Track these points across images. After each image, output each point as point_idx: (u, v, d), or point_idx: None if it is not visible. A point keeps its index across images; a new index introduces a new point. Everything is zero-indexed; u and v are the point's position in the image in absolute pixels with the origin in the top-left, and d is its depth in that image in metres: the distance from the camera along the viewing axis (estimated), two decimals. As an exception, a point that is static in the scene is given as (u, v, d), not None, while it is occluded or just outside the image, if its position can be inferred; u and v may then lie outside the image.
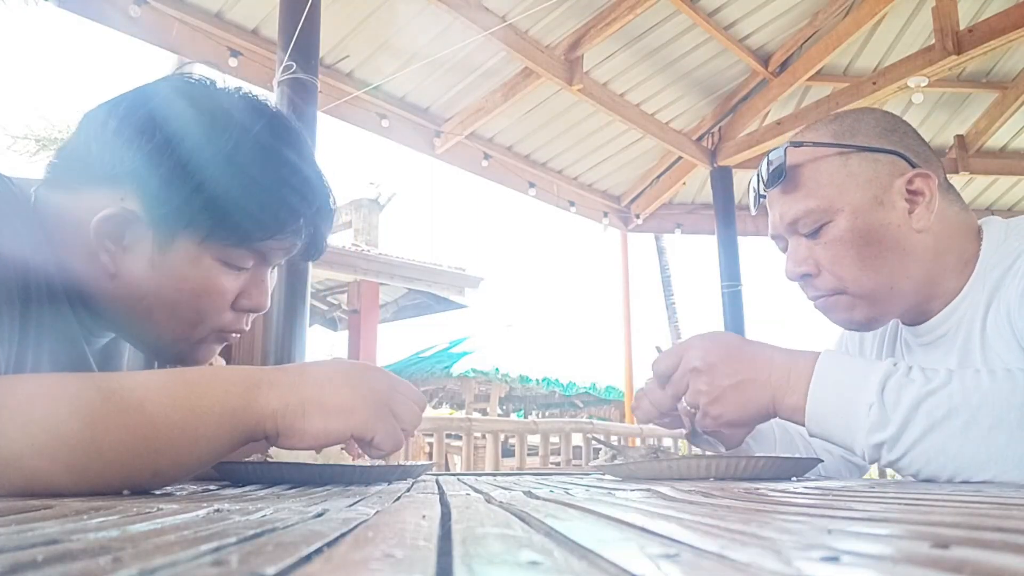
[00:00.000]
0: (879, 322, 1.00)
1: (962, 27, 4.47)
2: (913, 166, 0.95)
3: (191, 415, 0.63)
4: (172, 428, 0.62)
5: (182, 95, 0.77)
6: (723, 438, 1.06)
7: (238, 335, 0.84)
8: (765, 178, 0.99)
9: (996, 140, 6.24)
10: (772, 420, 1.18)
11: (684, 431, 0.99)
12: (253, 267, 0.81)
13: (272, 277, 0.88)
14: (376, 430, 0.71)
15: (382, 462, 0.99)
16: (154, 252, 0.74)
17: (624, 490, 0.61)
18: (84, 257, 0.75)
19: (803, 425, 0.83)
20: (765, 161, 1.00)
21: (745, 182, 6.66)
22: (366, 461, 0.92)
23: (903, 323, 1.05)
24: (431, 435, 5.87)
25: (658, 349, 0.96)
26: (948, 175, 1.01)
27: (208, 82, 0.80)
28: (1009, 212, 7.11)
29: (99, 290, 0.76)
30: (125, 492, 0.60)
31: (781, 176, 0.97)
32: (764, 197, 1.03)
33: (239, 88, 0.81)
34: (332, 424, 0.68)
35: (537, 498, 0.51)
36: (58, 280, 0.75)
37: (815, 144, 0.97)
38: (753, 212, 1.07)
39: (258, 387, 0.67)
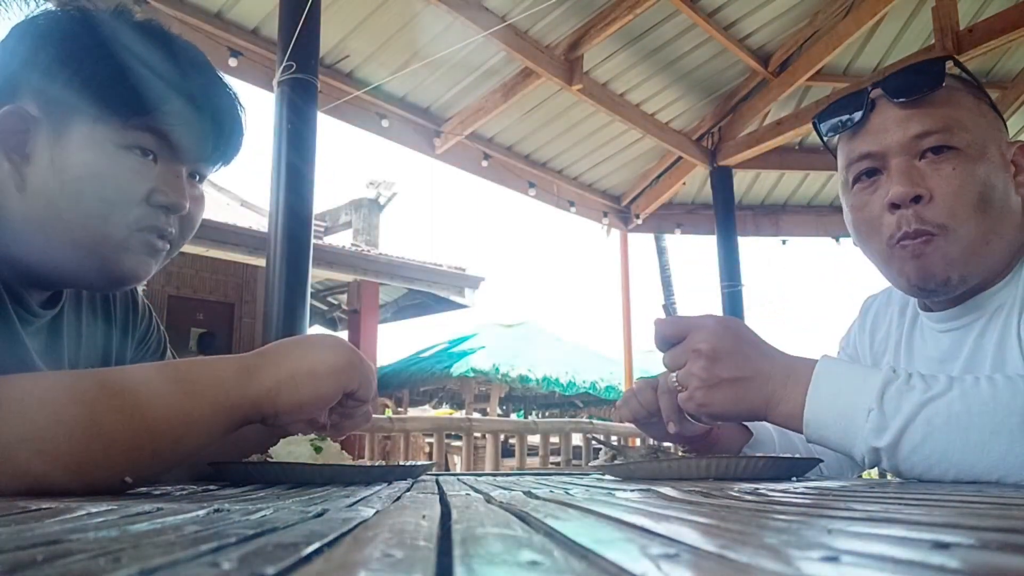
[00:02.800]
0: (965, 283, 0.92)
1: (962, 27, 4.47)
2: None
3: (186, 397, 0.66)
4: (168, 408, 0.64)
5: (62, 10, 0.82)
6: (716, 446, 1.05)
7: (166, 244, 0.83)
8: (918, 81, 0.92)
9: (996, 140, 6.23)
10: (771, 425, 1.17)
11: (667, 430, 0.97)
12: (164, 160, 0.81)
13: (200, 195, 0.88)
14: (358, 380, 0.79)
15: (382, 461, 1.00)
16: (53, 149, 0.76)
17: (624, 490, 0.61)
18: None
19: (799, 432, 0.82)
20: (916, 65, 0.94)
21: (746, 182, 6.67)
22: (365, 461, 0.93)
23: (935, 309, 1.01)
24: (431, 435, 5.87)
25: (666, 309, 0.93)
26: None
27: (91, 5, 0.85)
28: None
29: (14, 218, 0.76)
30: (127, 479, 0.61)
31: (940, 83, 0.91)
32: (902, 101, 0.93)
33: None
34: (324, 387, 0.75)
35: (537, 498, 0.51)
36: None
37: (970, 76, 0.95)
38: (855, 119, 0.96)
39: (247, 371, 0.71)
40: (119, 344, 0.98)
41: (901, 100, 0.93)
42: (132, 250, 0.80)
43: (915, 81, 0.92)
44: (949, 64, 0.94)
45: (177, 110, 0.80)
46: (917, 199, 0.89)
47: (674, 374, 0.88)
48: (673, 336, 0.88)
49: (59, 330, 0.87)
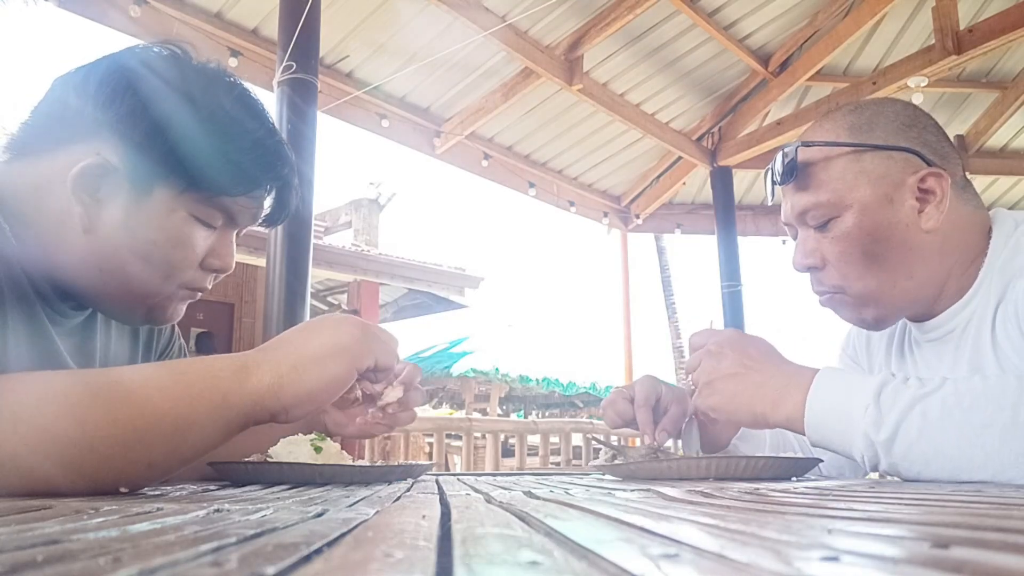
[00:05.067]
0: (887, 321, 1.00)
1: (962, 27, 4.47)
2: (929, 164, 0.93)
3: (182, 403, 0.62)
4: (163, 419, 0.61)
5: (162, 59, 0.80)
6: (705, 436, 1.07)
7: (202, 293, 0.87)
8: (778, 173, 0.99)
9: (996, 140, 6.23)
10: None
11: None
12: (221, 228, 0.84)
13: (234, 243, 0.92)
14: (373, 353, 0.75)
15: (382, 461, 1.00)
16: (130, 203, 0.76)
17: (624, 490, 0.61)
18: (55, 218, 0.75)
19: (800, 433, 0.84)
20: (779, 155, 0.99)
21: (746, 182, 6.67)
22: (365, 461, 0.92)
23: (910, 321, 1.04)
24: (431, 435, 5.87)
25: (712, 323, 1.01)
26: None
27: (180, 51, 0.83)
28: (1009, 212, 7.09)
29: (71, 251, 0.76)
30: (123, 490, 0.60)
31: (793, 173, 0.96)
32: (776, 185, 1.03)
33: (208, 60, 0.85)
34: (332, 371, 0.71)
35: (537, 498, 0.51)
36: (19, 264, 0.74)
37: (827, 144, 0.96)
38: (769, 202, 1.07)
39: (246, 368, 0.66)
40: (144, 350, 1.00)
41: (779, 184, 1.01)
42: (174, 302, 0.84)
43: (781, 170, 0.99)
44: (832, 124, 0.98)
45: (258, 193, 0.85)
46: (813, 267, 0.99)
47: (689, 377, 0.94)
48: (698, 343, 0.95)
49: (92, 332, 0.88)
